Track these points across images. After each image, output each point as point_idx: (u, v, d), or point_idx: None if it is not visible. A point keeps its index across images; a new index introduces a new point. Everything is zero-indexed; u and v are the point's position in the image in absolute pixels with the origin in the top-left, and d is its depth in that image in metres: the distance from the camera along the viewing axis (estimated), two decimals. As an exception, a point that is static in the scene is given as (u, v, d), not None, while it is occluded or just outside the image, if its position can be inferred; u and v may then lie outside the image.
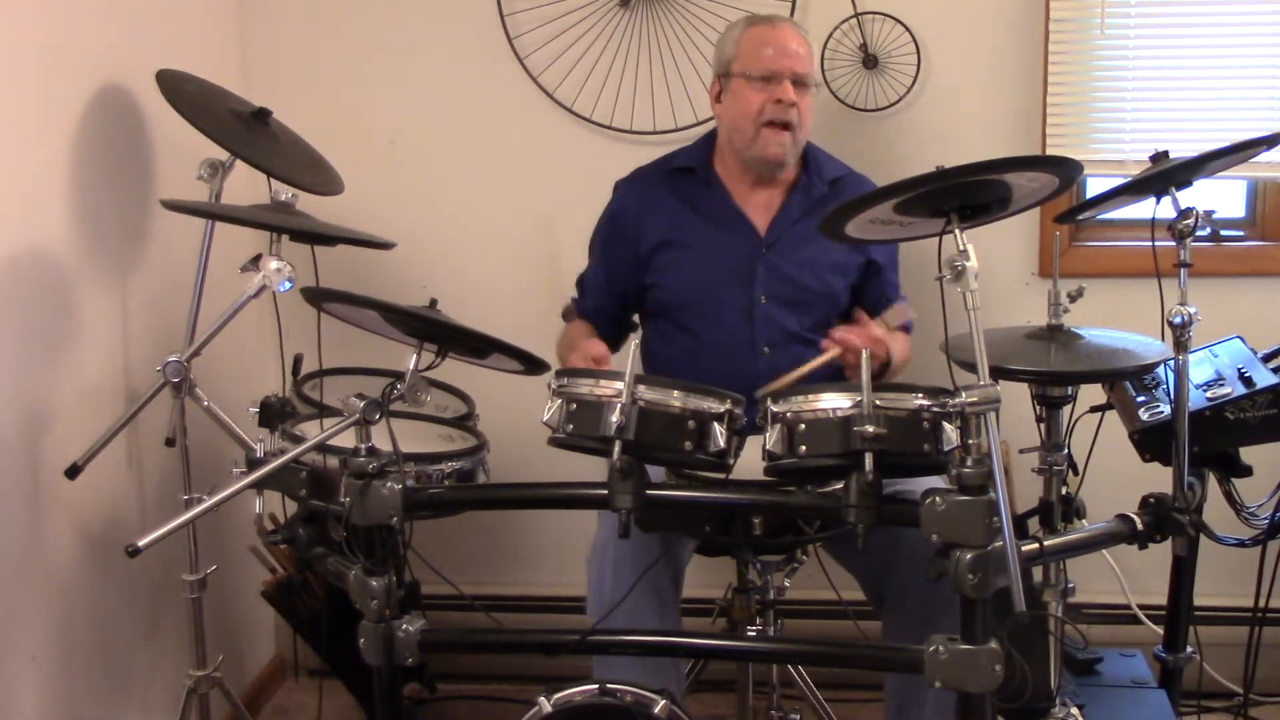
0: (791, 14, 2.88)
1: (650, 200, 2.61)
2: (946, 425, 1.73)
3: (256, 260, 2.21)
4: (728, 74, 2.52)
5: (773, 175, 2.55)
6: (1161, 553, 2.27)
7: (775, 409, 1.79)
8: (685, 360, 2.53)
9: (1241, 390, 2.25)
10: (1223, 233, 2.91)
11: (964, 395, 1.68)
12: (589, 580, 2.26)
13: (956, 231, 1.74)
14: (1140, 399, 2.32)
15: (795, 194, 2.57)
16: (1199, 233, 2.09)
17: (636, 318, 2.70)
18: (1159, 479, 2.11)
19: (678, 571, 2.33)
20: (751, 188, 2.57)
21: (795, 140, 2.50)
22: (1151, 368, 2.20)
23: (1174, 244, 2.09)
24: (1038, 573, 2.22)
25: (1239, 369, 2.31)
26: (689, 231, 2.57)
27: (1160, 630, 2.49)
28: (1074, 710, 2.25)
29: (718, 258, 2.55)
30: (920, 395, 1.74)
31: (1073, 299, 2.20)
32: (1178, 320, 2.06)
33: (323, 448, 2.00)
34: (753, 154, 2.51)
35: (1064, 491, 2.23)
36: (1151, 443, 2.25)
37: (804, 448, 1.75)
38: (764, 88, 2.46)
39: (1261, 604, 2.37)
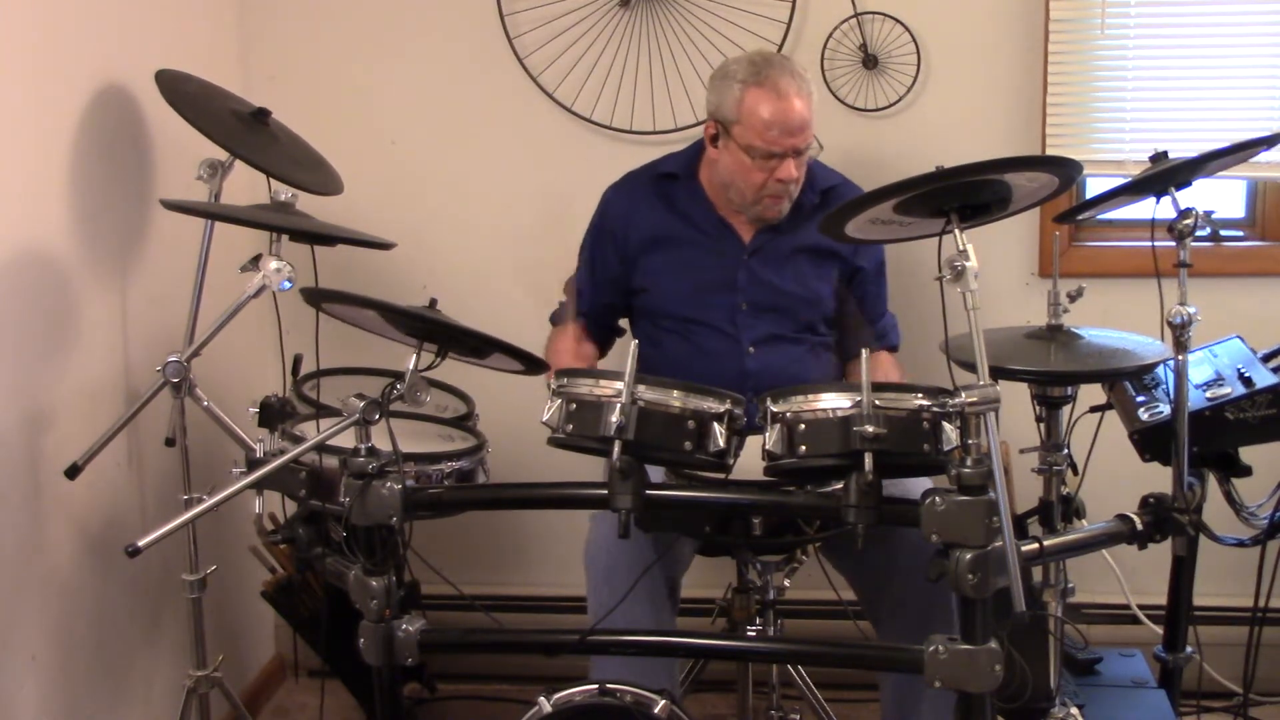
0: (791, 15, 2.88)
1: (636, 204, 2.61)
2: (946, 425, 1.73)
3: (256, 260, 2.21)
4: (726, 130, 2.44)
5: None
6: (1161, 553, 2.27)
7: (775, 409, 1.79)
8: (673, 363, 2.53)
9: (1241, 390, 2.25)
10: (1222, 233, 2.91)
11: (964, 395, 1.68)
12: (587, 582, 2.26)
13: (956, 231, 1.74)
14: (1140, 399, 2.32)
15: None
16: (1199, 233, 2.09)
17: (624, 324, 2.72)
18: (1159, 479, 2.11)
19: (675, 576, 2.33)
20: (738, 209, 2.57)
21: (791, 197, 2.49)
22: (1151, 368, 2.20)
23: (1174, 244, 2.09)
24: (1038, 573, 2.22)
25: (1239, 369, 2.30)
26: (673, 237, 2.58)
27: (1160, 630, 2.49)
28: (1074, 710, 2.25)
29: (701, 264, 2.56)
30: (920, 395, 1.74)
31: (1073, 299, 2.20)
32: (1177, 320, 2.06)
33: (322, 448, 2.00)
34: (751, 213, 2.52)
35: (1064, 491, 2.23)
36: (1151, 443, 2.25)
37: (804, 448, 1.75)
38: (764, 165, 2.41)
39: (1261, 604, 2.37)
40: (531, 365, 2.02)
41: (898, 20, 2.88)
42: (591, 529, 2.30)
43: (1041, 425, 2.21)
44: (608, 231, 2.63)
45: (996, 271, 2.93)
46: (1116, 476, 2.29)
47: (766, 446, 1.79)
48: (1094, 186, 2.95)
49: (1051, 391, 2.18)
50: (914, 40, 2.88)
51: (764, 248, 2.56)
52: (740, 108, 2.41)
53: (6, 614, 2.15)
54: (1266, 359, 2.37)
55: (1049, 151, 2.81)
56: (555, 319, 2.70)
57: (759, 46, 2.85)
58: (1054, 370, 2.15)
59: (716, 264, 2.56)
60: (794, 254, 2.55)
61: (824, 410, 1.75)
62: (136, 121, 2.55)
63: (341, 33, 3.04)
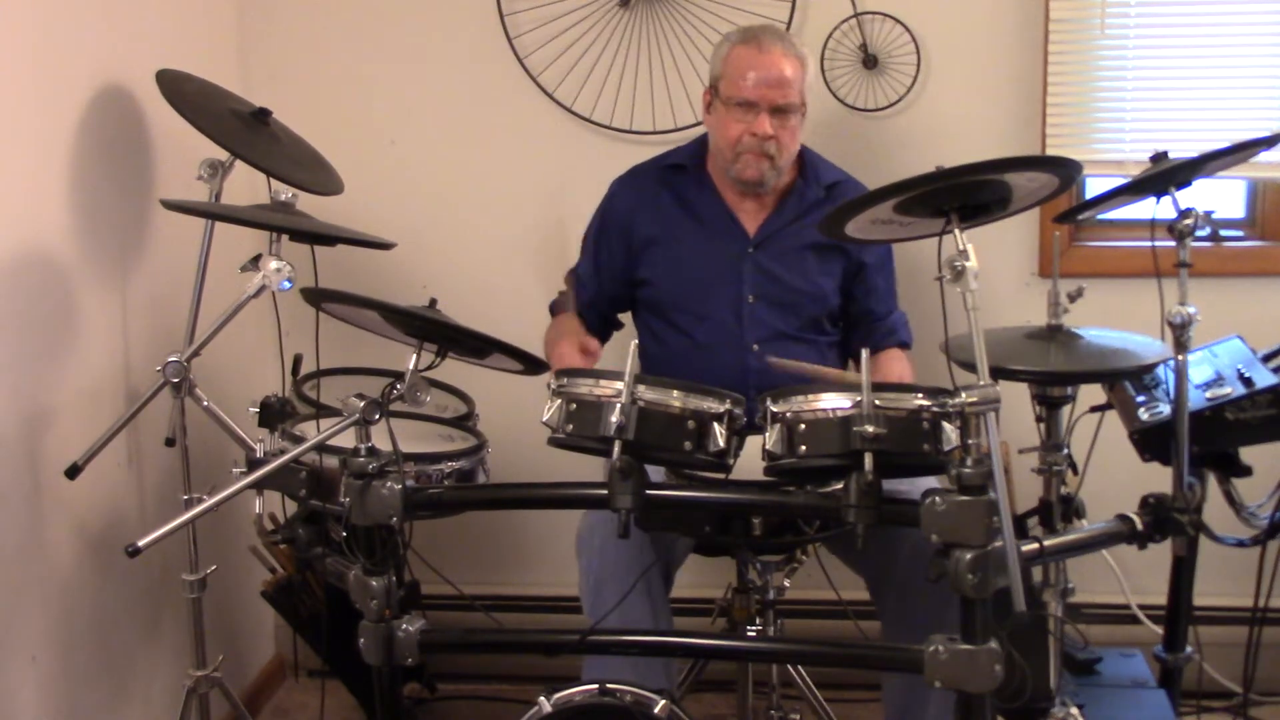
0: (791, 15, 2.88)
1: (643, 196, 2.62)
2: (946, 425, 1.73)
3: (256, 260, 2.21)
4: (716, 90, 2.51)
5: (755, 193, 2.55)
6: (1161, 553, 2.27)
7: (775, 409, 1.79)
8: (676, 357, 2.54)
9: (1241, 390, 2.24)
10: (1222, 233, 2.90)
11: (964, 395, 1.68)
12: (580, 572, 2.26)
13: (956, 231, 1.74)
14: (1140, 399, 2.32)
15: (789, 198, 2.58)
16: (1199, 233, 2.09)
17: (627, 316, 2.72)
18: (1159, 479, 2.11)
19: (670, 570, 2.33)
20: (742, 193, 2.57)
21: (775, 165, 2.49)
22: (1151, 368, 2.20)
23: (1174, 244, 2.09)
24: (1038, 573, 2.22)
25: (1239, 369, 2.30)
26: (678, 229, 2.58)
27: (1160, 630, 2.49)
28: (1074, 710, 2.25)
29: (706, 256, 2.56)
30: (920, 395, 1.74)
31: (1072, 299, 2.19)
32: (1177, 320, 2.05)
33: (323, 448, 2.00)
34: (732, 174, 2.52)
35: (1064, 491, 2.22)
36: (1151, 443, 2.25)
37: (804, 448, 1.75)
38: (742, 116, 2.44)
39: (1261, 604, 2.37)
40: (531, 365, 2.02)
41: (898, 20, 2.88)
42: (584, 515, 2.30)
43: (1041, 425, 2.21)
44: (613, 223, 2.63)
45: (996, 271, 2.93)
46: (1116, 476, 2.29)
47: (767, 446, 1.79)
48: (1094, 186, 2.95)
49: (1051, 391, 2.18)
50: (914, 40, 2.88)
51: (769, 240, 2.56)
52: (725, 63, 2.48)
53: (6, 614, 2.15)
54: (1266, 359, 2.37)
55: (1049, 151, 2.81)
56: (555, 308, 2.70)
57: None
58: (1054, 370, 2.15)
59: (720, 255, 2.56)
60: (799, 248, 2.55)
61: (824, 410, 1.75)
62: (136, 121, 2.55)
63: (341, 33, 3.04)
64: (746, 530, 2.06)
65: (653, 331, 2.61)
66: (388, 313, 1.92)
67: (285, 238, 2.22)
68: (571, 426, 1.82)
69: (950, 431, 1.73)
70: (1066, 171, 1.81)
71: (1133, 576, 2.91)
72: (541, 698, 1.88)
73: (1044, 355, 2.15)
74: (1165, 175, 2.12)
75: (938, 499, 1.68)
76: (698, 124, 2.90)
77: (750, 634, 2.34)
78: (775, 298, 2.55)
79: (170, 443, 2.36)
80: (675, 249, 2.58)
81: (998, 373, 1.79)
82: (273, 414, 2.17)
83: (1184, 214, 2.08)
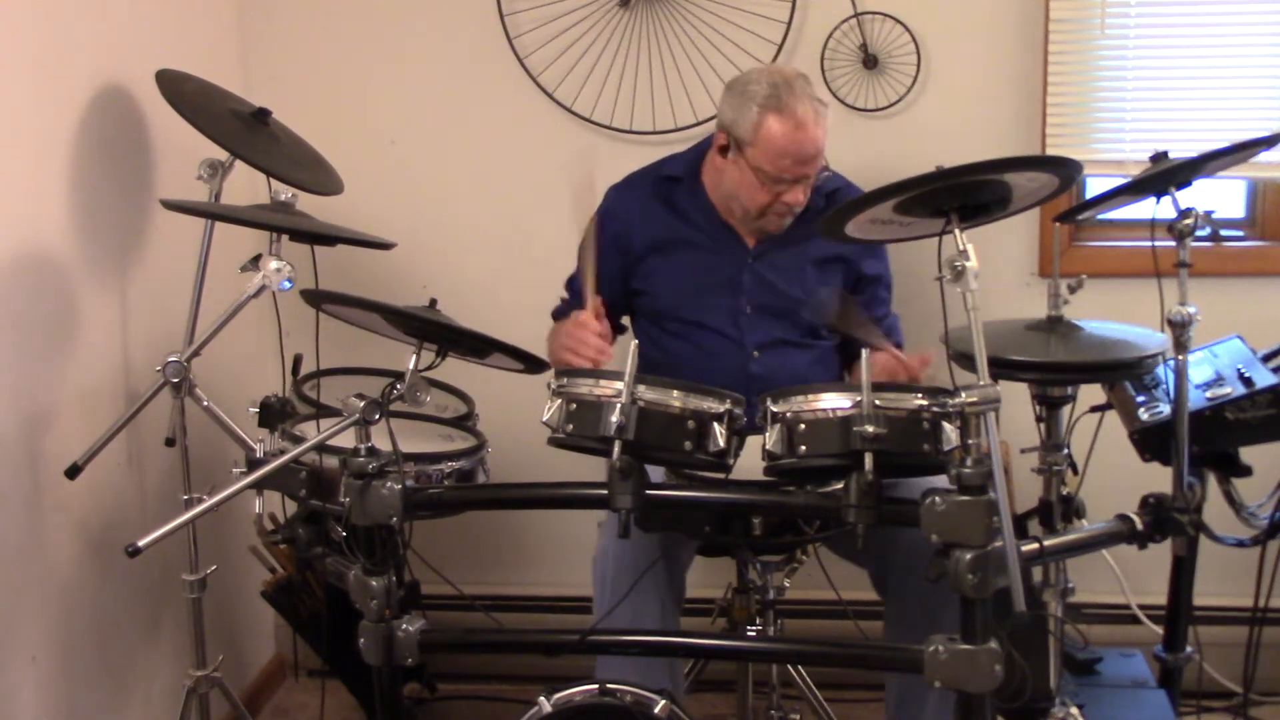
0: (791, 15, 2.88)
1: (639, 206, 2.60)
2: (946, 425, 1.73)
3: (256, 260, 2.21)
4: (739, 148, 2.41)
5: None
6: (1161, 553, 2.27)
7: (775, 409, 1.79)
8: (676, 364, 2.53)
9: (1241, 390, 2.24)
10: (1222, 233, 2.90)
11: (964, 395, 1.68)
12: (594, 586, 2.26)
13: (956, 231, 1.74)
14: (1140, 399, 2.32)
15: None
16: (1199, 233, 2.08)
17: (626, 321, 2.71)
18: (1159, 479, 2.11)
19: (679, 574, 2.33)
20: None
21: (794, 215, 2.48)
22: (1152, 359, 2.19)
23: (1174, 244, 2.09)
24: (1038, 573, 2.22)
25: (1239, 369, 2.30)
26: (677, 239, 2.57)
27: (1160, 630, 2.49)
28: (1074, 710, 2.25)
29: (705, 266, 2.55)
30: (920, 395, 1.74)
31: (1073, 290, 2.19)
32: (1177, 320, 2.05)
33: (323, 448, 2.00)
34: (752, 226, 2.52)
35: (1064, 491, 2.22)
36: (1151, 443, 2.25)
37: (804, 448, 1.76)
38: (773, 187, 2.40)
39: (1261, 604, 2.37)
40: (531, 365, 2.02)
41: (898, 20, 2.88)
42: (600, 537, 2.30)
43: (1041, 425, 2.21)
44: (609, 231, 2.62)
45: (996, 271, 2.93)
46: (1116, 476, 2.29)
47: (766, 446, 1.79)
48: (1094, 186, 2.95)
49: (1052, 391, 2.18)
50: (914, 40, 2.88)
51: (769, 251, 2.56)
52: (756, 132, 2.37)
53: (6, 614, 2.15)
54: (1266, 359, 2.37)
55: (1049, 151, 2.81)
56: (557, 315, 2.70)
57: (758, 50, 2.86)
58: (1054, 361, 2.14)
59: (719, 266, 2.55)
60: (799, 259, 2.55)
61: (824, 410, 1.76)
62: (136, 121, 2.55)
63: (341, 33, 3.04)
64: (746, 530, 2.06)
65: (651, 339, 2.60)
66: (388, 313, 1.92)
67: (285, 238, 2.22)
68: (571, 426, 1.82)
69: (950, 431, 1.73)
70: (1066, 171, 1.81)
71: (1133, 576, 2.91)
72: (541, 698, 1.88)
73: (1044, 347, 2.15)
74: (1165, 175, 2.12)
75: (938, 499, 1.68)
76: (697, 124, 2.91)
77: (750, 634, 2.34)
78: (773, 307, 2.54)
79: (170, 443, 2.36)
80: (673, 259, 2.57)
81: (997, 363, 1.79)
82: (273, 414, 2.17)
83: (1184, 214, 2.08)
